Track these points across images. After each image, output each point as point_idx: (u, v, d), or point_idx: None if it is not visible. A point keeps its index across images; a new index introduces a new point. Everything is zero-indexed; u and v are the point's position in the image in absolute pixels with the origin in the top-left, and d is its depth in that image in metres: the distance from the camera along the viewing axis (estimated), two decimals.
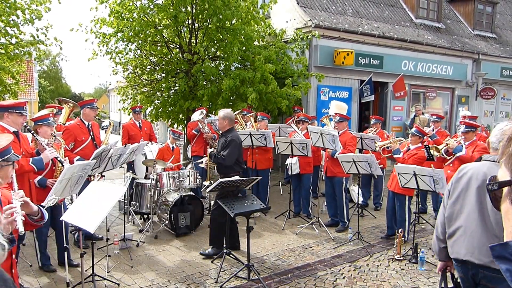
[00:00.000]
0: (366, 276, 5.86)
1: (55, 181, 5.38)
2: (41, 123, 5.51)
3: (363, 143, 8.78)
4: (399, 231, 6.60)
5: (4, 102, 5.21)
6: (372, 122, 9.75)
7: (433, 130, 8.57)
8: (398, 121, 14.77)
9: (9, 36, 9.96)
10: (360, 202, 8.00)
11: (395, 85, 13.81)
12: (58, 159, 5.39)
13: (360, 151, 8.84)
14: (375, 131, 9.41)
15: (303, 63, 12.32)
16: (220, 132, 6.35)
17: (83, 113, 6.93)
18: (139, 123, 9.34)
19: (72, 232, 4.47)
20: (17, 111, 5.01)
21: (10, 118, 5.00)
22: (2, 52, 10.30)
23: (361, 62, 13.43)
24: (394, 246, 6.77)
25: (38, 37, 10.62)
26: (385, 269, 6.13)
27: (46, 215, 3.05)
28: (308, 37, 12.54)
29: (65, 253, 4.89)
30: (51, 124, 5.63)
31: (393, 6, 16.15)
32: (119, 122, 34.20)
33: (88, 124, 6.94)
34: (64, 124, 7.38)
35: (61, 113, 7.73)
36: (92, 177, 6.21)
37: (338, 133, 7.77)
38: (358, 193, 7.96)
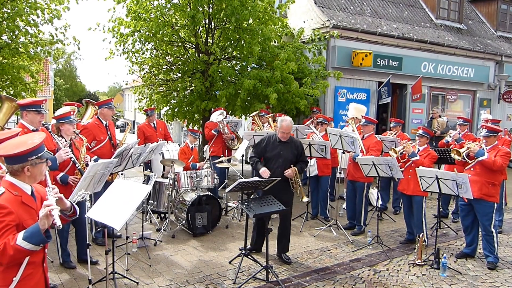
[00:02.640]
0: (386, 281, 5.74)
1: (77, 178, 5.43)
2: (63, 121, 5.54)
3: (383, 146, 8.64)
4: (420, 235, 6.47)
5: (22, 100, 5.24)
6: (392, 125, 9.60)
7: (459, 133, 8.40)
8: (417, 124, 14.50)
9: (29, 36, 10.03)
10: (379, 205, 7.89)
11: (414, 87, 13.61)
12: (72, 159, 5.41)
13: (381, 154, 8.69)
14: (395, 134, 9.26)
15: (320, 62, 12.21)
16: (282, 140, 6.09)
17: (100, 113, 6.96)
18: (154, 124, 9.37)
19: (98, 230, 4.49)
20: (34, 109, 5.04)
21: (28, 116, 5.03)
22: (22, 51, 10.39)
23: (379, 64, 13.25)
24: (415, 250, 6.63)
25: (56, 36, 10.72)
26: (406, 274, 6.01)
27: (78, 211, 3.09)
28: (326, 38, 12.44)
29: (87, 250, 4.90)
30: (73, 122, 5.68)
31: (413, 6, 15.94)
32: (133, 121, 34.46)
33: (106, 123, 6.96)
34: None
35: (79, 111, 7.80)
36: (112, 175, 6.24)
37: (363, 136, 7.66)
38: (377, 197, 7.84)
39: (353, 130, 8.05)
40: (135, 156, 6.55)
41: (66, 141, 5.47)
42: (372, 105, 13.40)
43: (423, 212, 6.92)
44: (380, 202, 8.00)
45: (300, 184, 6.42)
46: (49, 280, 3.03)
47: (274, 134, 6.27)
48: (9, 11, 9.56)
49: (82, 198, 3.42)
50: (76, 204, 3.11)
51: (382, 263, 6.40)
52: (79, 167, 5.44)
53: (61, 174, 5.37)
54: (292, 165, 6.09)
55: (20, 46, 10.18)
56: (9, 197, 2.66)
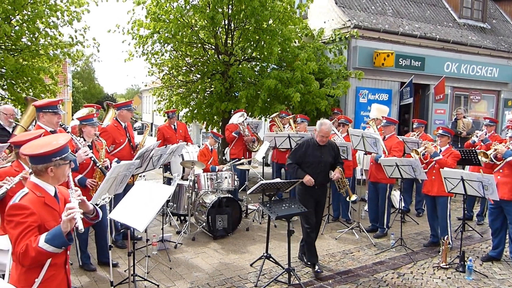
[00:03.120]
0: (410, 284, 5.64)
1: (94, 181, 5.42)
2: (85, 123, 5.57)
3: (406, 146, 8.50)
4: (445, 238, 6.32)
5: (38, 102, 5.21)
6: (414, 126, 9.42)
7: (486, 134, 8.20)
8: (440, 125, 14.24)
9: (49, 37, 10.12)
10: (401, 208, 7.74)
11: (437, 88, 13.37)
12: (92, 159, 5.39)
13: (403, 155, 8.54)
14: (418, 135, 9.09)
15: (341, 63, 12.08)
16: (320, 144, 5.90)
17: (119, 115, 6.92)
18: (174, 125, 9.38)
19: (118, 233, 4.50)
20: (50, 110, 5.00)
21: (45, 118, 4.99)
22: (42, 53, 10.48)
23: (401, 64, 13.06)
24: (439, 253, 6.50)
25: (76, 38, 10.79)
26: (430, 277, 5.88)
27: (101, 214, 3.09)
28: (347, 37, 12.31)
29: (109, 252, 4.90)
30: (95, 124, 5.70)
31: (435, 5, 15.67)
32: (152, 123, 34.67)
33: (125, 125, 6.94)
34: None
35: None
36: (133, 177, 6.24)
37: (384, 137, 7.53)
38: (400, 199, 7.69)
39: (374, 131, 7.92)
40: (156, 157, 6.52)
41: (85, 141, 5.48)
42: (394, 106, 13.20)
43: (448, 213, 6.77)
44: (402, 204, 7.86)
45: (347, 183, 6.53)
46: (71, 282, 3.03)
47: (311, 138, 6.03)
48: (29, 13, 9.64)
49: (105, 202, 3.42)
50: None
51: (406, 266, 6.28)
52: (99, 166, 5.42)
53: (79, 176, 5.36)
54: (337, 167, 6.06)
55: (40, 48, 10.26)
56: (32, 198, 2.66)
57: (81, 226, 2.53)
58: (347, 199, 7.31)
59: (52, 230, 2.55)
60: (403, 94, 13.11)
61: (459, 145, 10.72)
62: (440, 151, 6.83)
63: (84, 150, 5.21)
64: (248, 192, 5.78)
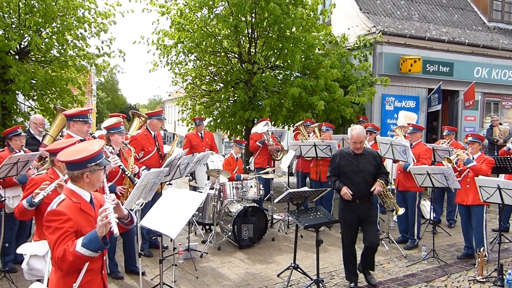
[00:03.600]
0: None
1: (124, 188, 5.43)
2: (113, 131, 5.61)
3: (436, 154, 8.26)
4: (481, 250, 6.05)
5: (68, 111, 5.32)
6: (444, 133, 9.16)
7: None
8: (470, 132, 13.85)
9: (77, 49, 10.30)
10: (432, 218, 7.47)
11: (466, 94, 13.01)
12: (121, 167, 5.43)
13: (433, 163, 8.28)
14: (448, 143, 8.81)
15: (366, 69, 11.89)
16: (356, 152, 5.50)
17: (150, 124, 6.92)
18: (201, 133, 9.35)
19: (153, 238, 4.52)
20: (81, 119, 5.07)
21: (75, 127, 5.05)
22: (70, 64, 10.66)
23: (429, 70, 12.78)
24: (475, 266, 6.23)
25: (102, 49, 10.94)
26: None
27: (135, 219, 3.16)
28: (372, 44, 12.12)
29: (139, 259, 4.88)
30: (123, 133, 5.77)
31: (463, 9, 15.34)
32: (173, 134, 34.89)
33: (154, 134, 6.94)
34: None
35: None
36: (161, 185, 6.24)
37: (411, 144, 7.32)
38: (430, 209, 7.43)
39: (402, 139, 7.71)
40: (183, 166, 6.53)
41: (113, 149, 5.50)
42: (421, 113, 12.90)
43: (484, 224, 6.48)
44: (433, 214, 7.59)
45: (392, 196, 5.98)
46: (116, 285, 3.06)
47: (347, 147, 5.71)
48: (58, 25, 9.84)
49: (140, 206, 3.43)
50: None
51: (439, 278, 6.04)
52: (128, 175, 5.46)
53: (109, 184, 5.37)
54: (378, 180, 5.51)
55: (68, 59, 10.44)
56: (68, 204, 2.73)
57: (116, 230, 2.57)
58: (394, 213, 6.96)
59: (88, 234, 2.61)
60: (431, 101, 12.82)
61: (496, 153, 10.35)
62: (473, 158, 6.57)
63: (114, 159, 5.24)
64: (276, 201, 5.66)
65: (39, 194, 3.63)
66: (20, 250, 3.85)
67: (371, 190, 5.47)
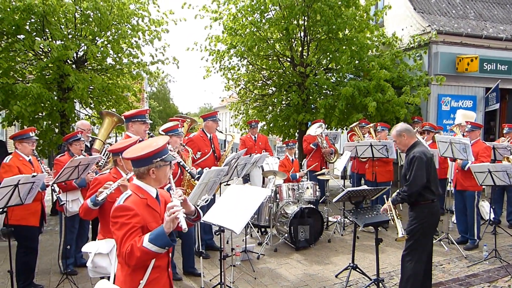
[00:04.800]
0: None
1: (183, 189, 5.55)
2: (171, 134, 5.72)
3: (496, 153, 7.97)
4: None
5: (127, 112, 5.33)
6: (505, 131, 8.83)
7: None
8: None
9: (132, 57, 10.49)
10: (491, 219, 7.21)
11: None
12: (181, 163, 5.47)
13: (493, 162, 8.00)
14: (509, 141, 8.48)
15: (420, 68, 11.63)
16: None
17: (205, 125, 7.03)
18: (255, 137, 9.46)
19: (217, 234, 4.57)
20: (139, 120, 5.07)
21: (134, 127, 5.06)
22: (125, 71, 10.91)
23: (486, 68, 12.36)
24: None
25: (156, 56, 11.11)
26: None
27: (202, 214, 3.11)
28: (427, 43, 11.85)
29: (200, 258, 4.94)
30: (180, 134, 5.85)
31: None
32: (224, 141, 35.34)
33: (210, 136, 7.04)
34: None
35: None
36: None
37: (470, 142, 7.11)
38: (490, 209, 7.17)
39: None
40: (240, 166, 6.59)
41: (171, 151, 5.63)
42: (479, 113, 12.45)
43: None
44: (492, 215, 7.33)
45: (396, 218, 4.92)
46: (173, 286, 3.05)
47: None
48: (113, 34, 10.08)
49: (205, 202, 3.47)
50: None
51: (503, 279, 5.85)
52: (188, 170, 5.49)
53: (168, 185, 5.52)
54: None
55: (124, 67, 10.67)
56: (135, 200, 2.72)
57: (184, 226, 2.52)
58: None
59: (155, 230, 2.59)
60: (489, 100, 12.38)
61: None
62: None
63: (174, 155, 5.32)
64: (334, 200, 5.64)
65: (102, 193, 3.67)
66: (85, 248, 3.94)
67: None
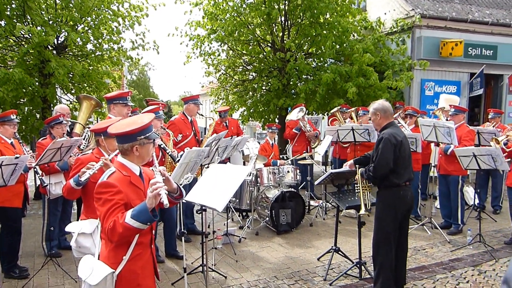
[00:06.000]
0: (493, 282, 5.17)
1: (165, 169, 5.46)
2: None
3: (481, 137, 7.91)
4: None
5: (109, 94, 5.33)
6: (490, 116, 8.79)
7: None
8: None
9: (112, 42, 10.43)
10: (476, 204, 7.18)
11: (511, 78, 12.46)
12: (162, 146, 5.46)
13: (477, 147, 7.97)
14: (494, 126, 8.46)
15: (403, 53, 11.56)
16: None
17: (186, 108, 6.91)
18: (226, 123, 9.35)
19: (198, 212, 4.52)
20: (121, 102, 5.07)
21: (115, 109, 5.06)
22: (106, 58, 10.84)
23: (471, 53, 12.33)
24: None
25: (136, 42, 11.03)
26: None
27: (184, 193, 3.12)
28: (410, 27, 11.76)
29: (183, 240, 4.93)
30: (161, 117, 5.80)
31: None
32: (205, 128, 35.28)
33: (191, 119, 6.94)
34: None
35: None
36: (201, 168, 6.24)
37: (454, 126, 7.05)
38: (474, 195, 7.14)
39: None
40: (221, 149, 6.53)
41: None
42: (463, 98, 12.43)
43: None
44: (477, 200, 7.30)
45: (363, 191, 4.76)
46: (157, 263, 3.06)
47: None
48: (93, 19, 10.00)
49: (188, 181, 3.40)
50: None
51: (487, 263, 5.80)
52: (169, 153, 5.48)
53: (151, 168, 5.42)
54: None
55: (104, 52, 10.59)
56: (119, 177, 2.75)
57: (166, 202, 2.56)
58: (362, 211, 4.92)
59: (137, 206, 2.61)
60: (473, 86, 12.37)
61: None
62: None
63: None
64: (317, 182, 5.54)
65: (85, 173, 3.68)
66: (68, 228, 3.93)
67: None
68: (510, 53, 12.89)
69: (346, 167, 5.05)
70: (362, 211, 4.72)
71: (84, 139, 6.35)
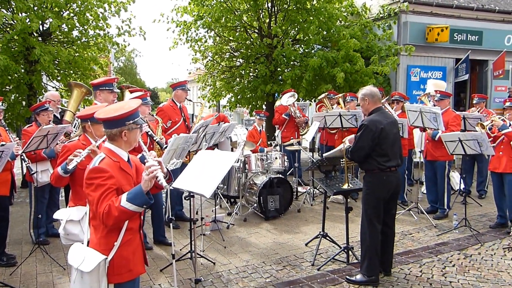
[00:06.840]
0: (479, 265, 5.25)
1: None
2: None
3: (467, 123, 7.97)
4: None
5: (95, 80, 5.35)
6: (475, 101, 8.85)
7: None
8: (500, 104, 13.38)
9: (98, 29, 10.33)
10: (461, 189, 7.26)
11: (496, 63, 12.55)
12: (149, 133, 5.44)
13: (463, 132, 8.03)
14: (479, 111, 8.53)
15: (389, 38, 11.55)
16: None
17: (175, 95, 6.88)
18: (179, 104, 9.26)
19: (186, 198, 4.53)
20: (107, 88, 5.10)
21: (102, 96, 5.07)
22: (91, 44, 10.76)
23: (456, 39, 12.38)
24: (510, 234, 6.10)
25: (122, 28, 10.94)
26: (501, 258, 5.47)
27: (173, 177, 3.16)
28: (396, 12, 11.75)
29: (170, 225, 4.89)
30: (149, 103, 5.80)
31: None
32: (192, 115, 35.12)
33: (180, 105, 6.90)
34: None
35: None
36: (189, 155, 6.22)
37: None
38: (460, 180, 7.21)
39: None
40: (209, 135, 6.52)
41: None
42: (449, 84, 12.51)
43: None
44: (462, 185, 7.38)
45: (347, 167, 4.97)
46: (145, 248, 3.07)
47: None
48: (79, 5, 9.85)
49: (174, 166, 3.40)
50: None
51: (473, 247, 5.88)
52: (156, 140, 5.46)
53: (139, 155, 5.36)
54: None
55: (90, 39, 10.49)
56: (109, 162, 2.76)
57: (164, 183, 2.64)
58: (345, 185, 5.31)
59: (132, 189, 2.64)
60: (458, 71, 12.44)
61: None
62: (510, 125, 6.31)
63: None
64: (306, 169, 5.55)
65: (73, 161, 3.68)
66: (56, 215, 3.91)
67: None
68: (495, 38, 12.97)
69: (346, 141, 5.07)
70: (345, 186, 4.98)
71: (74, 127, 6.34)
